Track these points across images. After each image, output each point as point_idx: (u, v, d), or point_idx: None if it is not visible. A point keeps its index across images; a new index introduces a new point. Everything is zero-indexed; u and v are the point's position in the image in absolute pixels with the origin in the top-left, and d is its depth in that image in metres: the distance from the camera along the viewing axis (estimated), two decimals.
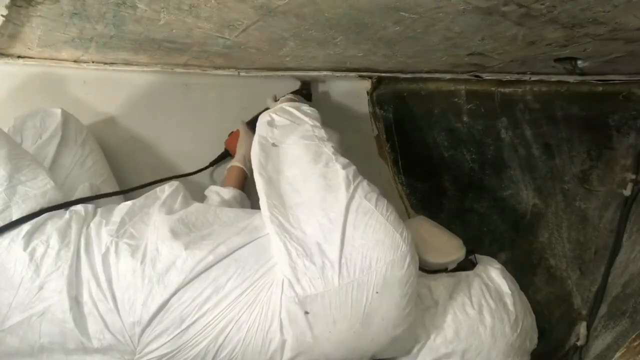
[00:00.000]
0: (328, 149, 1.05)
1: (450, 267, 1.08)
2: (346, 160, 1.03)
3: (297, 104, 1.23)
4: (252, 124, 1.32)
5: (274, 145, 1.09)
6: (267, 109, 1.31)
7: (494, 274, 1.07)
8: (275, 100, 1.35)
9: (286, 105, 1.20)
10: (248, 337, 0.88)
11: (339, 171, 0.99)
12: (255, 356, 0.89)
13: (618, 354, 1.10)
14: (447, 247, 1.10)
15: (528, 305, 1.07)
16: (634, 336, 1.10)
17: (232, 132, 1.41)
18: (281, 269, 0.90)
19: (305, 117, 1.15)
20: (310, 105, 1.37)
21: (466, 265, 1.09)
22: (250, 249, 0.94)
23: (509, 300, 1.03)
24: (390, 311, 0.89)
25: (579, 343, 1.36)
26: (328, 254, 0.89)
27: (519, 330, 1.00)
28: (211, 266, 0.90)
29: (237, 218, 1.02)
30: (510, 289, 1.05)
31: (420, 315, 0.98)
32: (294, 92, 1.42)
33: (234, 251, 0.93)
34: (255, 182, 1.05)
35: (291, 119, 1.15)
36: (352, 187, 0.96)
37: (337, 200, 0.94)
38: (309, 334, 0.87)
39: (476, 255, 1.13)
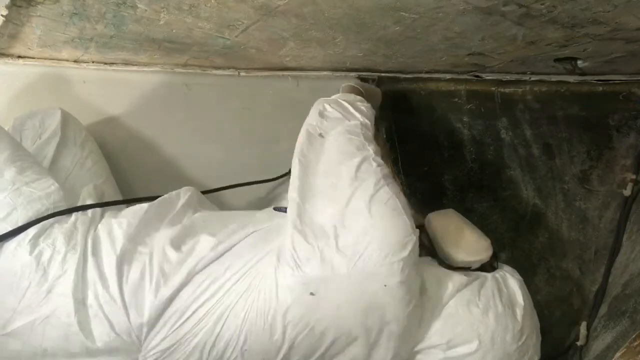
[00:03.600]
0: (370, 148, 1.03)
1: (474, 267, 1.05)
2: (382, 162, 1.02)
3: (353, 98, 1.20)
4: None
5: (320, 135, 1.08)
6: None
7: (511, 283, 1.03)
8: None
9: (341, 98, 1.18)
10: (247, 323, 0.87)
11: (374, 167, 0.98)
12: (258, 340, 0.88)
13: (618, 354, 1.10)
14: (474, 246, 1.07)
15: (538, 326, 1.03)
16: (634, 336, 1.10)
17: None
18: (291, 245, 0.89)
19: (357, 113, 1.12)
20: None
21: (487, 267, 1.06)
22: (248, 241, 0.95)
23: (519, 311, 0.99)
24: (396, 306, 0.88)
25: (579, 343, 1.36)
26: (344, 239, 0.88)
27: (520, 343, 0.96)
28: (211, 262, 0.92)
29: (239, 218, 1.04)
30: (524, 301, 1.01)
31: (420, 306, 0.96)
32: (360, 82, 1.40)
33: (233, 246, 0.94)
34: (292, 167, 1.05)
35: (343, 113, 1.13)
36: (382, 182, 0.95)
37: (364, 190, 0.94)
38: (311, 316, 0.87)
39: (498, 263, 1.09)
